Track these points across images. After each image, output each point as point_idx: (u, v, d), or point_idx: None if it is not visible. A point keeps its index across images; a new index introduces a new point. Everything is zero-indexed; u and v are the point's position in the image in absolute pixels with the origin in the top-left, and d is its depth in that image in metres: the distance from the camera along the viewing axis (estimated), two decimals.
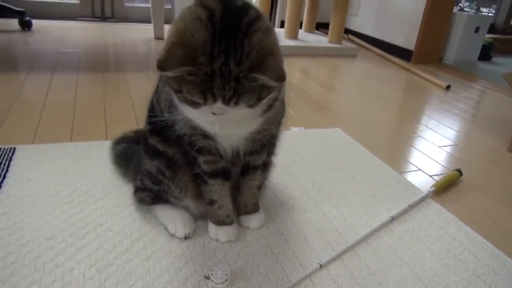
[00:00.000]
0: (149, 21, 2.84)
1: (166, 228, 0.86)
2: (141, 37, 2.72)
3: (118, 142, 1.10)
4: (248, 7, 0.60)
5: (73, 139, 1.24)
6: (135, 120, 1.40)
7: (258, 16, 0.59)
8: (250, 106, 0.61)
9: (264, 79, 0.57)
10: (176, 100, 0.69)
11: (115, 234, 0.84)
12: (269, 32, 0.60)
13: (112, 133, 1.29)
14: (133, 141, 1.06)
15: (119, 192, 0.99)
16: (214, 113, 0.61)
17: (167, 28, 2.70)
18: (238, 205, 0.90)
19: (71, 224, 0.85)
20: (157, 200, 0.88)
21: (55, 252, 0.77)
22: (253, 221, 0.90)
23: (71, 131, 1.29)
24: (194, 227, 0.87)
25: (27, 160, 1.08)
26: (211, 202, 0.83)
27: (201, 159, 0.79)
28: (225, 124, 0.70)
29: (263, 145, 0.82)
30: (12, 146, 1.14)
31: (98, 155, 1.13)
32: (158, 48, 2.52)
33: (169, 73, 0.56)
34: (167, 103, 0.76)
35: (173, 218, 0.86)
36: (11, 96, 1.52)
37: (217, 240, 0.85)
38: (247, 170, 0.85)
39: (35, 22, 2.65)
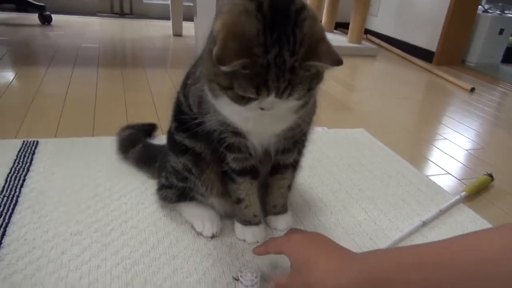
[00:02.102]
0: (167, 18, 2.83)
1: (192, 226, 0.84)
2: (159, 33, 2.71)
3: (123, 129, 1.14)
4: None
5: (95, 133, 1.23)
6: (156, 115, 1.38)
7: (303, 5, 0.57)
8: (300, 98, 0.59)
9: (320, 65, 0.56)
10: (209, 97, 0.66)
11: (140, 231, 0.82)
12: (316, 19, 0.58)
13: None
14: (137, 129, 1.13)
15: (142, 188, 0.97)
16: (262, 108, 0.59)
17: (185, 25, 2.70)
18: (267, 205, 0.87)
19: (96, 220, 0.84)
20: (182, 197, 0.86)
21: (81, 248, 0.76)
22: (281, 222, 0.87)
23: (92, 125, 1.28)
24: (221, 226, 0.85)
25: (50, 154, 1.07)
26: (238, 201, 0.81)
27: (230, 156, 0.76)
28: (260, 120, 0.67)
29: (295, 142, 0.79)
30: (35, 139, 1.13)
31: None
32: (177, 45, 2.51)
33: (226, 68, 0.53)
34: (196, 99, 0.74)
35: (200, 216, 0.84)
36: (32, 90, 1.51)
37: (244, 240, 0.83)
38: (277, 169, 0.82)
39: (55, 17, 2.66)
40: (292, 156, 0.82)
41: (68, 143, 1.14)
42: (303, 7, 0.57)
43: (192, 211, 0.86)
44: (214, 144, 0.76)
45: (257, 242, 0.82)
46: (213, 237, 0.82)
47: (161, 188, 0.90)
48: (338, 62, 0.55)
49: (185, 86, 0.80)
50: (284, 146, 0.78)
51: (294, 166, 0.85)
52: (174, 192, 0.86)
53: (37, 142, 1.12)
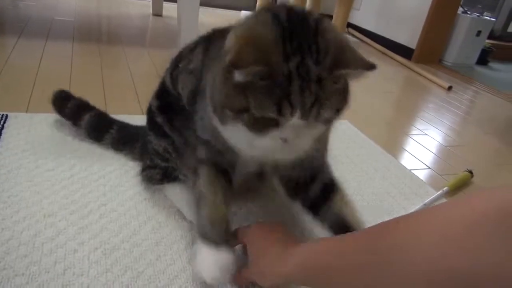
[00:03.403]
0: None
1: (181, 212, 0.80)
2: (137, 12, 2.60)
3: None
4: (309, 11, 0.54)
5: None
6: (135, 95, 1.32)
7: (321, 17, 0.53)
8: (327, 122, 0.52)
9: (352, 72, 0.49)
10: (214, 121, 0.56)
11: (120, 215, 0.77)
12: (337, 28, 0.54)
13: (112, 107, 1.21)
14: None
15: (122, 170, 0.91)
16: (284, 139, 0.50)
17: (166, 5, 2.60)
18: None
19: (71, 202, 0.78)
20: (166, 178, 0.81)
21: (55, 231, 0.70)
22: None
23: None
24: None
25: (21, 130, 0.99)
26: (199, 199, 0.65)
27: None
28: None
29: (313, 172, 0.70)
30: (4, 113, 1.05)
31: None
32: (157, 25, 2.42)
33: (241, 75, 0.46)
34: (187, 92, 0.70)
35: (188, 202, 0.79)
36: (0, 62, 1.40)
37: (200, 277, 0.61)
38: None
39: None
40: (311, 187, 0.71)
41: (41, 118, 1.06)
42: (321, 18, 0.52)
43: (180, 196, 0.81)
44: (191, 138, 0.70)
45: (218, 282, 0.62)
46: None
47: (145, 169, 0.85)
48: (371, 66, 0.49)
49: (175, 67, 0.76)
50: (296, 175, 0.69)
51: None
52: (158, 172, 0.82)
53: (6, 115, 1.04)
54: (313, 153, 0.60)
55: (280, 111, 0.47)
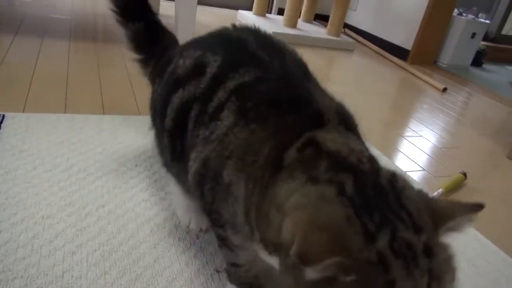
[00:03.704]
0: None
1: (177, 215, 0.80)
2: None
3: None
4: (378, 168, 0.44)
5: (67, 110, 1.15)
6: (133, 94, 1.32)
7: (393, 171, 0.44)
8: None
9: (460, 220, 0.41)
10: (243, 219, 0.49)
11: (118, 217, 0.77)
12: (411, 182, 0.44)
13: (109, 107, 1.21)
14: None
15: (119, 171, 0.91)
16: None
17: (163, 3, 2.59)
18: None
19: (69, 203, 0.78)
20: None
21: (54, 233, 0.70)
22: None
23: (64, 101, 1.20)
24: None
25: (18, 130, 0.99)
26: (235, 265, 0.62)
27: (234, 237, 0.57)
28: None
29: None
30: (1, 113, 1.04)
31: (96, 130, 1.06)
32: None
33: (314, 271, 0.34)
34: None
35: (186, 208, 0.79)
36: None
37: None
38: None
39: None
40: None
41: (38, 118, 1.06)
42: (394, 173, 0.44)
43: (179, 200, 0.80)
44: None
45: None
46: (201, 231, 0.78)
47: (159, 151, 0.76)
48: (479, 205, 0.42)
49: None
50: None
51: None
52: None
53: (3, 116, 1.03)
54: None
55: None
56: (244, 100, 0.53)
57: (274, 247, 0.45)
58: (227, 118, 0.53)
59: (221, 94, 0.56)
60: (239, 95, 0.54)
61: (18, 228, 0.70)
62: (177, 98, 0.62)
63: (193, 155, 0.57)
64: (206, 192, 0.54)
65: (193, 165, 0.57)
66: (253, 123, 0.50)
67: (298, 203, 0.41)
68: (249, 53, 0.59)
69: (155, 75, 0.81)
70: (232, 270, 0.63)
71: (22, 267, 0.62)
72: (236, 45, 0.62)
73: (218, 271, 0.69)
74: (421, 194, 0.42)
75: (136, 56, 0.90)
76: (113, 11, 0.89)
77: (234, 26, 0.68)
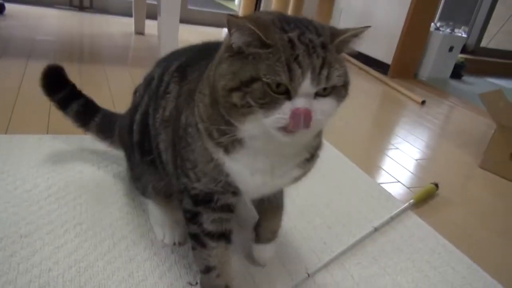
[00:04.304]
0: (129, 15, 2.77)
1: (154, 231, 0.84)
2: (120, 30, 2.65)
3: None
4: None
5: (49, 131, 1.18)
6: None
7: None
8: (339, 97, 0.53)
9: (350, 35, 0.52)
10: (218, 154, 0.58)
11: (95, 233, 0.80)
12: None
13: None
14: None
15: (98, 189, 0.95)
16: (298, 109, 0.48)
17: (148, 23, 2.65)
18: (263, 233, 0.79)
19: (48, 222, 0.81)
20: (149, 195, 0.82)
21: (31, 251, 0.73)
22: (269, 251, 0.80)
23: (47, 122, 1.23)
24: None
25: (1, 151, 1.02)
26: (207, 270, 0.67)
27: (208, 217, 0.64)
28: (268, 174, 0.60)
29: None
30: None
31: (77, 150, 1.09)
32: (139, 43, 2.46)
33: (238, 39, 0.49)
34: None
35: (161, 222, 0.82)
36: None
37: None
38: (270, 201, 0.76)
39: (9, 6, 2.53)
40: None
41: (20, 140, 1.09)
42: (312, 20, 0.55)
43: (155, 215, 0.84)
44: (183, 198, 0.66)
45: None
46: (175, 245, 0.81)
47: (135, 180, 0.85)
48: (360, 30, 0.53)
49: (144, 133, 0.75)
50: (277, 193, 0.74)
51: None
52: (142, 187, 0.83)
53: None
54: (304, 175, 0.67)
55: (291, 73, 0.47)
56: (182, 72, 0.69)
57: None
58: (173, 88, 0.68)
59: (166, 78, 0.71)
60: (179, 71, 0.70)
61: None
62: (138, 115, 0.77)
63: (161, 139, 0.69)
64: (178, 153, 0.64)
65: (164, 139, 0.69)
66: (189, 80, 0.67)
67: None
68: (189, 51, 0.76)
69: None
70: (205, 278, 0.68)
71: None
72: (183, 49, 0.78)
73: (191, 284, 0.72)
74: (333, 28, 0.54)
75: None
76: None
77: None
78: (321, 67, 0.48)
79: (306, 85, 0.48)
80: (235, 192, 0.62)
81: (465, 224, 1.13)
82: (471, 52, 3.72)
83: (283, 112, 0.48)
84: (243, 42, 0.49)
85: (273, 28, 0.49)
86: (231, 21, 0.48)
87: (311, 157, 0.64)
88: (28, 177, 0.94)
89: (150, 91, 0.76)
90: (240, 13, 2.98)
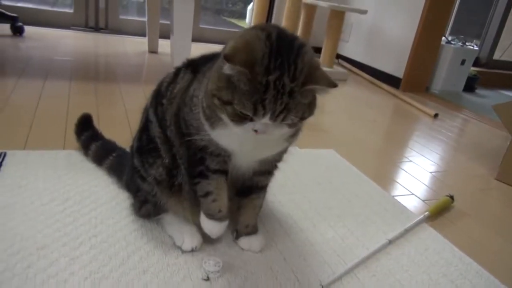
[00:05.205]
0: (143, 35, 2.84)
1: (172, 238, 0.85)
2: (134, 49, 2.71)
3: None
4: (295, 35, 0.67)
5: (66, 147, 1.21)
6: (129, 131, 1.38)
7: (305, 42, 0.65)
8: (292, 126, 0.64)
9: (318, 87, 0.62)
10: (206, 127, 0.71)
11: (110, 245, 0.81)
12: (314, 54, 0.66)
13: None
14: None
15: (113, 203, 0.96)
16: (255, 131, 0.62)
17: (161, 42, 2.71)
18: (239, 226, 0.88)
19: (64, 234, 0.82)
20: (161, 209, 0.86)
21: (48, 262, 0.74)
22: (255, 243, 0.87)
23: (64, 139, 1.26)
24: (201, 241, 0.85)
25: (18, 166, 1.05)
26: (206, 194, 0.78)
27: (211, 160, 0.76)
28: (254, 145, 0.71)
29: (275, 166, 0.84)
30: (2, 151, 1.10)
31: (92, 165, 1.11)
32: (152, 62, 2.52)
33: (229, 69, 0.58)
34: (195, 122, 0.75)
35: (179, 230, 0.85)
36: (1, 102, 1.48)
37: (204, 230, 0.82)
38: (251, 190, 0.84)
39: (27, 29, 2.62)
40: (270, 178, 0.86)
41: (37, 155, 1.11)
42: (304, 43, 0.64)
43: (172, 224, 0.87)
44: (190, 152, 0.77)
45: (216, 236, 0.82)
46: (192, 251, 0.83)
47: (140, 206, 0.89)
48: (333, 84, 0.62)
49: (157, 104, 0.84)
50: (265, 168, 0.82)
51: (267, 186, 0.87)
52: (152, 206, 0.87)
53: (5, 153, 1.09)
54: (275, 157, 0.80)
55: (255, 111, 0.60)
56: (194, 66, 0.81)
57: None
58: (186, 75, 0.80)
59: (181, 73, 0.83)
60: (192, 65, 0.83)
61: (14, 259, 0.74)
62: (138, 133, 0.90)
63: (169, 115, 0.80)
64: (181, 122, 0.76)
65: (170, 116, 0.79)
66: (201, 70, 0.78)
67: (241, 34, 0.64)
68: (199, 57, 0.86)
69: None
70: (204, 202, 0.79)
71: None
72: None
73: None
74: (312, 62, 0.63)
75: None
76: None
77: None
78: (280, 112, 0.60)
79: (265, 120, 0.61)
80: (221, 154, 0.75)
81: (482, 236, 1.11)
82: (484, 65, 3.70)
83: (246, 129, 0.63)
84: (232, 74, 0.60)
85: (258, 68, 0.59)
86: (228, 58, 0.58)
87: (295, 132, 0.74)
88: (44, 191, 0.96)
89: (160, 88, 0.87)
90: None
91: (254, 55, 0.59)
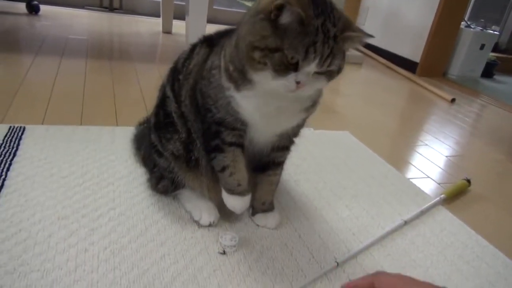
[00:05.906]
0: (157, 15, 2.82)
1: (190, 213, 0.86)
2: (148, 30, 2.71)
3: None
4: None
5: (83, 122, 1.22)
6: (145, 109, 1.38)
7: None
8: (330, 77, 0.65)
9: (355, 35, 0.63)
10: (229, 92, 0.70)
11: (128, 218, 0.83)
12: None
13: (122, 120, 1.28)
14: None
15: (130, 178, 0.97)
16: (298, 83, 0.62)
17: (175, 23, 2.70)
18: (255, 202, 0.88)
19: (83, 206, 0.84)
20: (178, 185, 0.86)
21: (68, 232, 0.76)
22: (271, 220, 0.88)
23: (80, 115, 1.27)
24: (218, 216, 0.85)
25: (38, 140, 1.06)
26: (223, 169, 0.78)
27: (227, 133, 0.76)
28: (276, 111, 0.71)
29: (292, 141, 0.83)
30: (22, 125, 1.12)
31: (109, 140, 1.12)
32: (166, 42, 2.51)
33: (286, 17, 0.58)
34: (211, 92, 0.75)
35: (197, 206, 0.86)
36: (19, 78, 1.49)
37: (227, 206, 0.82)
38: (269, 166, 0.84)
39: (43, 7, 2.62)
40: (287, 154, 0.85)
41: (56, 130, 1.13)
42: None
43: (190, 199, 0.87)
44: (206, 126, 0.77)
45: (240, 211, 0.82)
46: (210, 226, 0.84)
47: (157, 182, 0.90)
48: (369, 35, 0.63)
49: (174, 80, 0.84)
50: (283, 144, 0.82)
51: (283, 162, 0.87)
52: (169, 182, 0.87)
53: (24, 128, 1.11)
54: (294, 130, 0.80)
55: (306, 54, 0.59)
56: (210, 41, 0.82)
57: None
58: (202, 50, 0.80)
59: (197, 48, 0.83)
60: (208, 40, 0.83)
61: (36, 228, 0.75)
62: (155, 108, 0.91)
63: (184, 89, 0.80)
64: (198, 95, 0.76)
65: (187, 89, 0.80)
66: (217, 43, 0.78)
67: None
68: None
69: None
70: (222, 177, 0.79)
71: (38, 262, 0.68)
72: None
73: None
74: (344, 15, 0.63)
75: None
76: None
77: None
78: (327, 56, 0.61)
79: (312, 66, 0.61)
80: (239, 127, 0.75)
81: (498, 220, 1.10)
82: (504, 51, 3.61)
83: (288, 81, 0.62)
84: (289, 20, 0.58)
85: (310, 12, 0.59)
86: (288, 3, 0.57)
87: (313, 103, 0.75)
88: (64, 165, 0.97)
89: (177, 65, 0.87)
90: None
91: (303, 2, 0.60)
